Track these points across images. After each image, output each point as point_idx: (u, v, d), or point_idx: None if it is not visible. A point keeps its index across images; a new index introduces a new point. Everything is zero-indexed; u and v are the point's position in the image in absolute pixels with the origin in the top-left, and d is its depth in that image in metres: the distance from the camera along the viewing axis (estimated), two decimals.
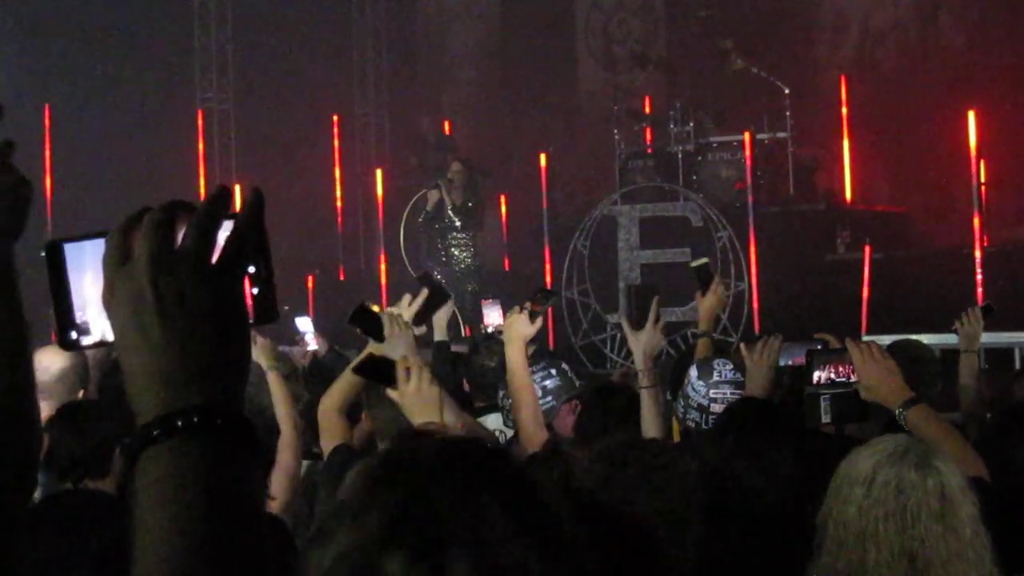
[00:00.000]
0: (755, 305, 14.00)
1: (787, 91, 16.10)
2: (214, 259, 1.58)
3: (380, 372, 4.49)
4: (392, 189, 17.71)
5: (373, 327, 4.95)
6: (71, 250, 1.75)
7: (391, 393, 4.40)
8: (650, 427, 5.41)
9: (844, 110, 16.51)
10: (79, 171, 16.94)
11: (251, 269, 1.63)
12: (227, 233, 1.59)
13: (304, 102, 19.83)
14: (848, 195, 16.57)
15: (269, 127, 19.41)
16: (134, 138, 17.78)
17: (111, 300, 1.59)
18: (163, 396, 1.54)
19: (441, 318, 8.41)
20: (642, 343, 5.67)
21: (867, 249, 13.80)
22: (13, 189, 2.14)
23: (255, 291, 1.64)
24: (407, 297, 5.70)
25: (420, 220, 15.71)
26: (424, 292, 5.73)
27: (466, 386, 7.62)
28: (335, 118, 19.43)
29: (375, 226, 18.10)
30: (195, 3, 20.22)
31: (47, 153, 16.76)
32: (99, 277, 1.68)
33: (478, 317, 10.29)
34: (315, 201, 19.02)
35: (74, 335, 1.74)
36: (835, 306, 13.56)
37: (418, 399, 4.34)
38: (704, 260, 7.47)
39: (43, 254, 1.76)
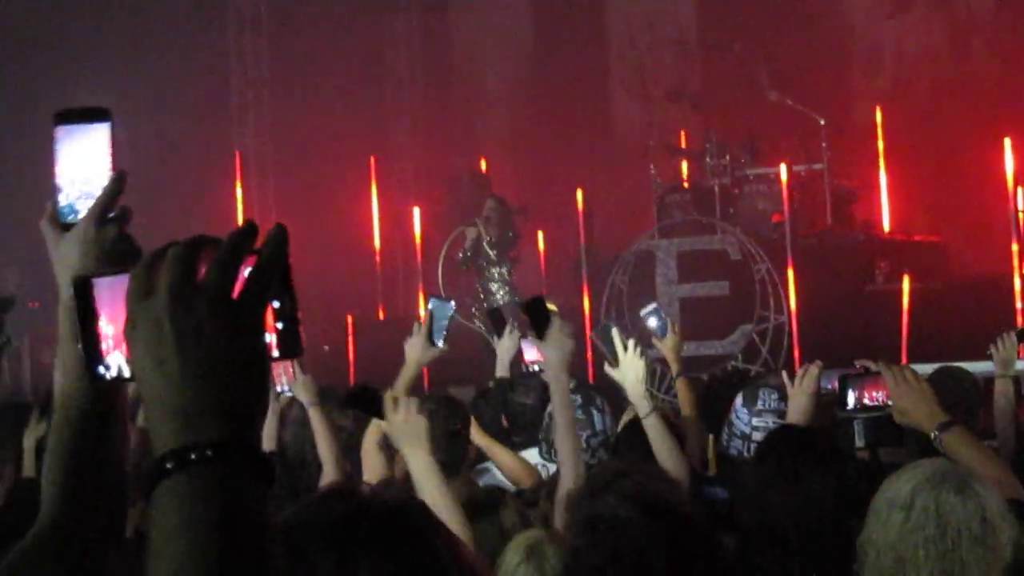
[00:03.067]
0: (795, 337, 13.96)
1: (822, 122, 16.08)
2: (235, 293, 1.59)
3: (369, 403, 4.52)
4: (429, 228, 17.77)
5: (372, 407, 4.93)
6: (100, 286, 1.79)
7: (380, 424, 4.46)
8: (666, 458, 5.39)
9: (880, 140, 16.49)
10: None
11: (275, 304, 1.64)
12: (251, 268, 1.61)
13: (340, 142, 19.92)
14: (886, 225, 16.54)
15: (306, 168, 19.52)
16: (172, 179, 17.90)
17: (132, 333, 1.60)
18: (178, 430, 1.55)
19: (505, 356, 8.42)
20: (627, 373, 5.66)
21: (906, 279, 13.77)
22: (115, 247, 2.22)
23: (279, 326, 1.65)
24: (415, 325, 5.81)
25: (459, 258, 15.75)
26: (429, 311, 5.83)
27: (504, 421, 7.63)
28: (372, 158, 19.50)
29: (413, 265, 18.15)
30: (232, 45, 20.40)
31: None
32: (120, 311, 1.72)
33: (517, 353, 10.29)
34: (353, 241, 19.09)
35: (101, 369, 1.78)
36: (875, 336, 13.51)
37: (405, 430, 4.40)
38: (655, 306, 7.43)
39: (72, 290, 1.80)
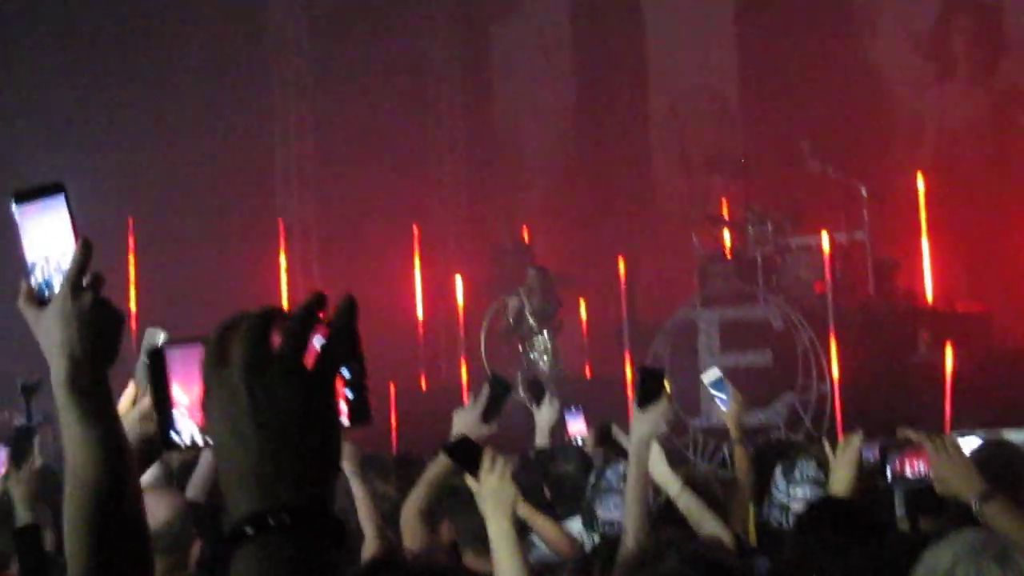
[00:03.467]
0: (838, 406, 13.91)
1: (864, 191, 16.08)
2: (308, 363, 1.63)
3: (468, 458, 4.53)
4: (472, 297, 17.82)
5: (471, 462, 4.90)
6: (172, 355, 1.85)
7: (470, 481, 4.46)
8: (708, 531, 5.37)
9: (922, 209, 16.48)
10: (162, 282, 17.17)
11: (345, 373, 1.69)
12: (322, 340, 1.65)
13: (384, 211, 20.03)
14: (928, 295, 16.51)
15: (350, 236, 19.63)
16: (217, 248, 18.02)
17: (208, 402, 1.64)
18: (255, 495, 1.59)
19: (545, 425, 8.42)
20: (642, 424, 5.46)
21: (948, 348, 13.73)
22: (95, 314, 2.28)
23: (349, 394, 1.69)
24: (470, 401, 5.79)
25: (501, 328, 15.80)
26: (485, 390, 5.80)
27: (546, 492, 7.61)
28: (415, 227, 19.58)
29: (456, 334, 18.19)
30: (277, 113, 20.57)
31: (131, 265, 17.02)
32: (197, 381, 1.77)
33: (560, 425, 10.29)
34: (396, 310, 19.15)
35: (174, 436, 1.84)
36: (918, 406, 13.46)
37: (495, 495, 4.40)
38: (719, 373, 7.42)
39: (145, 360, 1.86)
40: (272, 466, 1.59)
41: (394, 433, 16.09)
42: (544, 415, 8.35)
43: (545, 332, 15.36)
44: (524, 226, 20.07)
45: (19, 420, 7.44)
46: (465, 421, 5.69)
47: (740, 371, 14.45)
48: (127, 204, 17.23)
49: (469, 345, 17.01)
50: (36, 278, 2.36)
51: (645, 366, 5.79)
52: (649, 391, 5.07)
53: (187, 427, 1.85)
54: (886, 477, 4.82)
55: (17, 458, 5.78)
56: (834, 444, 5.52)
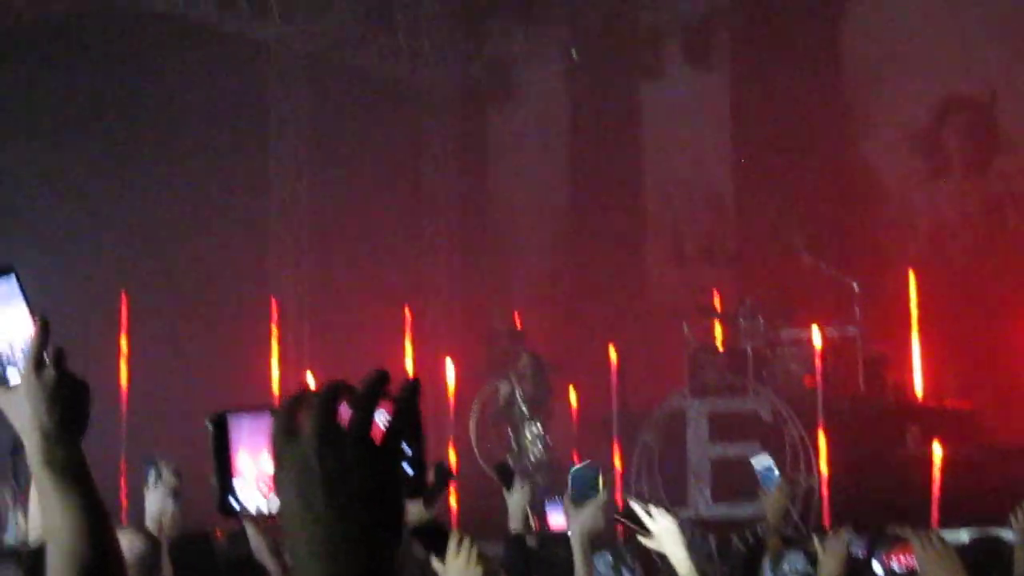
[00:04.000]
0: (826, 500, 13.92)
1: (856, 286, 16.18)
2: (376, 438, 1.70)
3: (436, 540, 4.55)
4: (463, 380, 17.83)
5: (438, 544, 4.93)
6: (234, 423, 1.91)
7: (436, 564, 4.48)
8: None
9: (913, 305, 16.55)
10: (154, 357, 17.18)
11: (407, 449, 1.75)
12: (385, 415, 1.72)
13: (377, 292, 20.08)
14: (918, 390, 16.54)
15: (342, 316, 19.67)
16: (209, 323, 18.05)
17: (279, 472, 1.70)
18: (326, 564, 1.66)
19: (517, 509, 8.41)
20: (664, 539, 5.59)
21: (937, 444, 13.76)
22: (59, 388, 2.33)
23: (409, 469, 1.75)
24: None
25: (492, 413, 15.80)
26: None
27: None
28: (407, 309, 19.63)
29: (446, 418, 18.19)
30: (272, 191, 20.69)
31: (123, 339, 17.03)
32: (250, 447, 1.84)
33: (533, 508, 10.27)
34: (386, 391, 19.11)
35: (233, 502, 1.90)
36: (906, 501, 13.46)
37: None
38: (770, 461, 7.49)
39: (208, 425, 1.93)
40: (341, 536, 1.65)
41: None
42: (515, 499, 8.34)
43: (536, 419, 15.35)
44: (516, 311, 20.12)
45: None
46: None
47: (729, 462, 14.47)
48: (121, 278, 17.27)
49: (458, 428, 17.00)
50: (0, 363, 2.39)
51: (577, 466, 5.81)
52: (581, 489, 5.14)
53: (252, 496, 1.91)
54: (874, 572, 4.86)
55: None
56: (822, 538, 5.55)
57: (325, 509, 1.65)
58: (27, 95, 17.75)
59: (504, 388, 15.54)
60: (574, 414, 17.71)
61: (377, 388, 1.73)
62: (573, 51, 20.78)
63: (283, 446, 1.69)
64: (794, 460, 14.03)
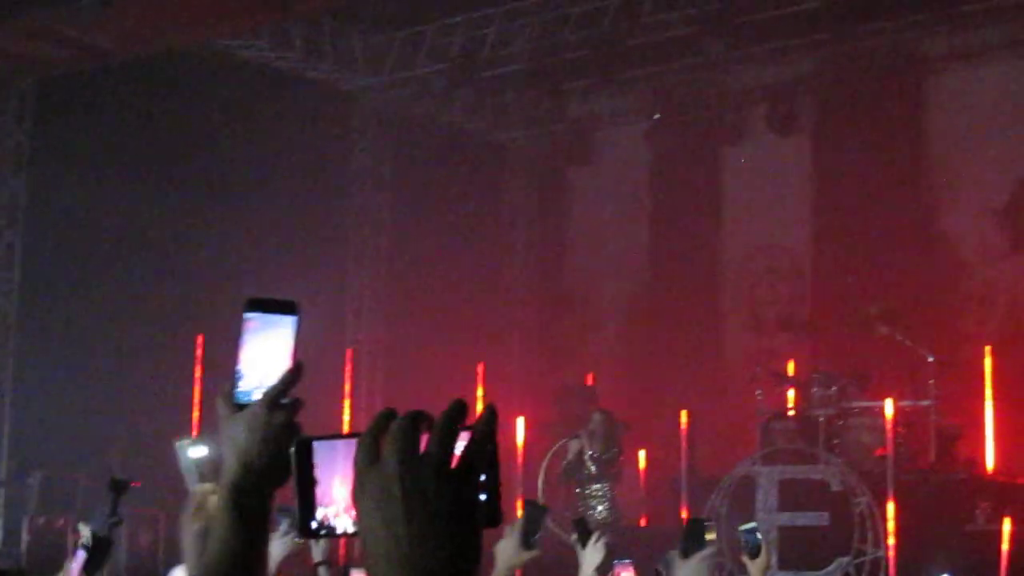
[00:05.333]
0: (891, 572, 13.80)
1: (931, 359, 16.09)
2: (454, 465, 1.75)
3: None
4: (533, 437, 17.83)
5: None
6: (319, 448, 1.98)
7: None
8: None
9: (988, 380, 16.42)
10: None
11: (482, 477, 1.79)
12: (463, 442, 1.76)
13: (451, 348, 20.15)
14: (989, 465, 16.39)
15: (415, 370, 19.74)
16: None
17: (361, 495, 1.76)
18: None
19: (588, 566, 8.40)
20: (685, 573, 5.60)
21: (1007, 521, 13.62)
22: (282, 433, 2.41)
23: (483, 497, 1.79)
24: (507, 528, 5.78)
25: (560, 470, 15.77)
26: (520, 516, 5.81)
27: None
28: (480, 366, 19.68)
29: (515, 474, 18.19)
30: (352, 242, 20.85)
31: (197, 381, 17.19)
32: (336, 473, 1.92)
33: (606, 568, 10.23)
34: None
35: (314, 525, 1.96)
36: None
37: None
38: (754, 524, 7.49)
39: (292, 450, 1.99)
40: (420, 558, 1.70)
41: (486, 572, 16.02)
42: (589, 557, 8.35)
43: (604, 479, 15.31)
44: (590, 371, 20.13)
45: (86, 528, 7.56)
46: (506, 550, 5.72)
47: (796, 531, 14.39)
48: (198, 323, 17.44)
49: (527, 485, 16.99)
50: (240, 386, 2.45)
51: (689, 518, 5.86)
52: (693, 540, 5.15)
53: (333, 518, 1.98)
54: None
55: (91, 568, 5.88)
56: None
57: (405, 531, 1.70)
58: (112, 138, 18.02)
59: (573, 446, 15.52)
60: (643, 476, 17.67)
61: (457, 417, 1.78)
62: (655, 114, 20.84)
63: (365, 470, 1.75)
64: (861, 531, 13.92)
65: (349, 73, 20.21)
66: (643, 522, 17.47)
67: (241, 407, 2.44)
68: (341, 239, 20.82)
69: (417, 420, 1.77)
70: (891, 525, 14.04)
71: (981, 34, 19.12)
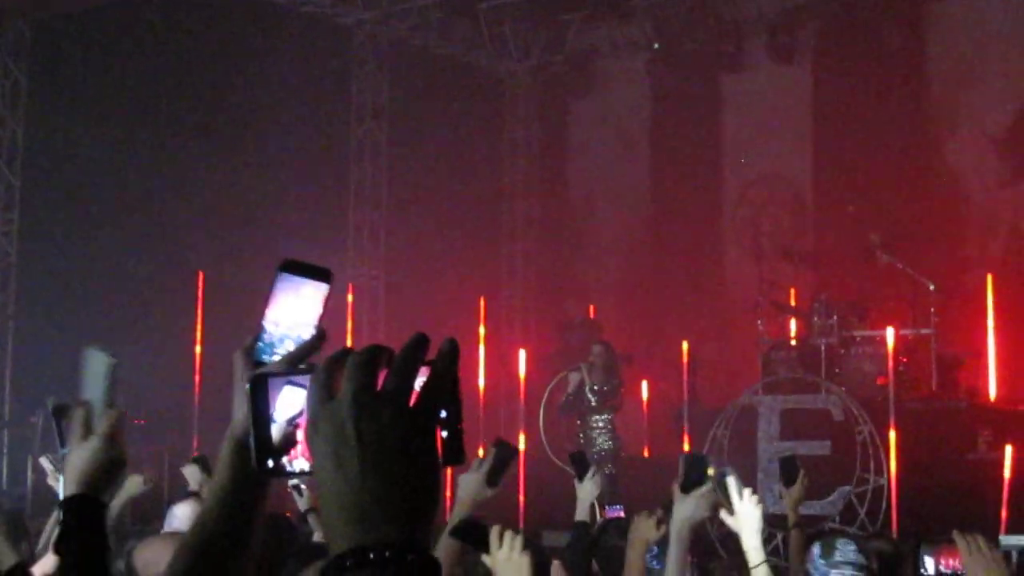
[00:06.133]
0: (894, 501, 13.84)
1: (932, 287, 16.09)
2: (412, 402, 1.67)
3: (475, 536, 4.59)
4: (535, 370, 17.87)
5: (478, 540, 4.96)
6: (275, 384, 1.95)
7: (484, 558, 4.53)
8: None
9: (990, 308, 16.43)
10: (229, 336, 17.32)
11: (442, 413, 1.71)
12: (423, 378, 1.69)
13: (452, 282, 20.16)
14: (991, 393, 16.43)
15: (417, 304, 19.76)
16: None
17: (313, 434, 1.67)
18: (357, 529, 1.63)
19: (585, 499, 8.43)
20: (744, 521, 5.67)
21: (1008, 448, 13.66)
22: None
23: (445, 434, 1.72)
24: (475, 461, 5.75)
25: (561, 402, 15.80)
26: (492, 452, 5.77)
27: (595, 566, 7.64)
28: (482, 300, 19.70)
29: (516, 406, 18.24)
30: (351, 177, 20.82)
31: (199, 318, 17.21)
32: (293, 409, 1.86)
33: (613, 499, 10.29)
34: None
35: (271, 463, 1.93)
36: (974, 504, 13.37)
37: (508, 567, 4.48)
38: (791, 453, 7.56)
39: (247, 387, 1.96)
40: (374, 502, 1.63)
41: (448, 503, 16.12)
42: (586, 489, 8.36)
43: (605, 411, 15.33)
44: (591, 304, 20.15)
45: (47, 461, 7.65)
46: (470, 484, 5.70)
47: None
48: (197, 258, 17.45)
49: (529, 418, 17.05)
50: (263, 341, 2.43)
51: (688, 452, 5.88)
52: (692, 476, 5.17)
53: (285, 455, 1.96)
54: (925, 571, 4.87)
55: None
56: (888, 539, 5.56)
57: (359, 473, 1.63)
58: (108, 76, 17.97)
59: (574, 378, 15.53)
60: (645, 407, 17.71)
61: (416, 352, 1.70)
62: (655, 44, 20.75)
63: (319, 408, 1.68)
64: (863, 459, 13.95)
65: (346, 6, 20.11)
66: (645, 452, 17.54)
67: (259, 365, 2.41)
68: (340, 174, 20.78)
69: (375, 355, 1.69)
70: (893, 453, 14.07)
71: None
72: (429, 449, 1.67)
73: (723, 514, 5.89)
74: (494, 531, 4.52)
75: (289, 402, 1.97)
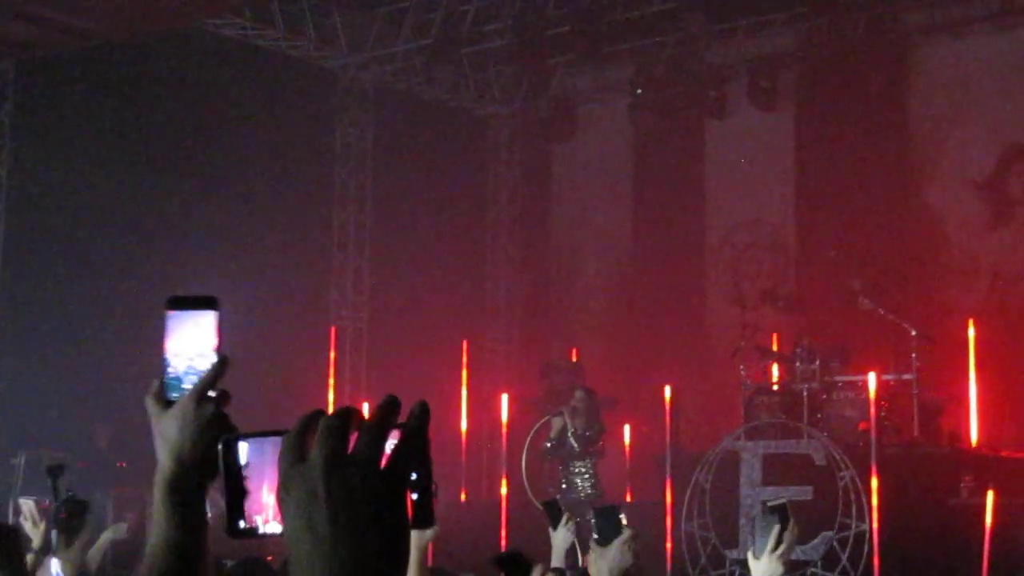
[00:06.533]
0: (876, 546, 13.84)
1: (914, 333, 16.13)
2: (382, 464, 1.69)
3: (518, 570, 4.62)
4: (517, 414, 17.85)
5: (520, 574, 4.99)
6: (245, 446, 1.96)
7: None
8: None
9: (971, 353, 16.46)
10: None
11: (412, 476, 1.73)
12: (394, 441, 1.71)
13: (435, 325, 20.17)
14: (973, 439, 16.44)
15: (400, 347, 19.76)
16: (267, 348, 18.18)
17: (285, 495, 1.70)
18: None
19: (560, 547, 8.42)
20: (607, 559, 5.67)
21: (990, 494, 13.67)
22: (211, 426, 2.41)
23: (415, 497, 1.74)
24: None
25: (543, 447, 15.80)
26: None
27: None
28: (464, 343, 19.70)
29: (498, 450, 18.22)
30: (335, 221, 20.84)
31: None
32: (266, 474, 1.88)
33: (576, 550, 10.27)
34: (441, 421, 19.17)
35: (242, 524, 1.94)
36: (956, 550, 13.39)
37: None
38: (782, 500, 7.54)
39: (219, 448, 1.97)
40: (344, 563, 1.65)
41: (430, 545, 16.06)
42: (560, 536, 8.35)
43: (588, 456, 15.33)
44: (574, 347, 20.15)
45: (28, 501, 7.60)
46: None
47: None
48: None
49: (511, 462, 17.02)
50: (169, 374, 2.49)
51: (599, 506, 5.88)
52: (607, 527, 5.22)
53: (255, 517, 1.96)
54: None
55: (68, 534, 5.90)
56: None
57: (328, 534, 1.64)
58: (94, 118, 17.98)
59: (556, 423, 15.53)
60: (627, 451, 17.69)
61: (386, 415, 1.72)
62: (638, 89, 20.82)
63: (290, 469, 1.70)
64: (845, 505, 13.96)
65: (330, 50, 20.20)
66: (628, 497, 17.51)
67: (170, 403, 2.46)
68: (324, 216, 20.80)
69: (346, 418, 1.71)
70: (875, 499, 14.08)
71: (962, 7, 19.13)
72: (399, 511, 1.69)
73: (749, 555, 5.88)
74: (536, 570, 4.57)
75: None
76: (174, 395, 2.47)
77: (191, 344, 2.50)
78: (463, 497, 18.89)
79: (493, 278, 22.62)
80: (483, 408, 19.91)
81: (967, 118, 19.07)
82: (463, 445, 19.18)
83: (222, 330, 2.50)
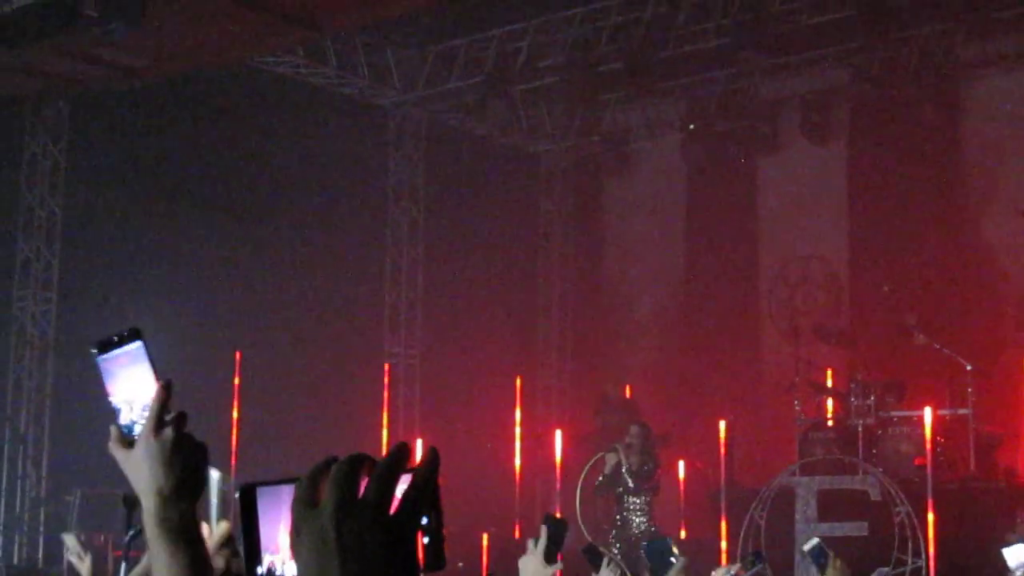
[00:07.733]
0: None
1: (969, 367, 16.02)
2: (393, 510, 1.72)
3: (595, 558, 4.76)
4: (571, 450, 17.84)
5: (596, 561, 5.10)
6: (263, 494, 1.98)
7: None
8: None
9: None
10: (265, 415, 17.37)
11: (423, 520, 1.76)
12: (404, 486, 1.73)
13: (488, 362, 20.18)
14: None
15: (453, 384, 19.78)
16: (321, 386, 18.24)
17: (298, 541, 1.73)
18: None
19: None
20: (528, 570, 5.65)
21: None
22: (177, 450, 2.43)
23: (425, 540, 1.76)
24: (530, 543, 5.83)
25: (597, 483, 15.76)
26: (544, 529, 5.84)
27: None
28: (518, 380, 19.69)
29: (552, 487, 18.20)
30: (388, 258, 20.90)
31: (235, 397, 17.25)
32: (281, 520, 1.90)
33: None
34: (494, 458, 19.21)
35: (261, 571, 1.96)
36: None
37: None
38: (817, 541, 7.54)
39: (237, 496, 1.99)
40: None
41: None
42: None
43: (642, 492, 15.30)
44: (628, 384, 20.12)
45: (70, 537, 7.68)
46: (528, 565, 5.74)
47: (836, 541, 14.30)
48: (234, 341, 17.50)
49: (565, 498, 16.99)
50: (122, 420, 2.50)
51: (649, 541, 5.94)
52: (660, 559, 5.30)
53: (271, 561, 1.97)
54: None
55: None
56: None
57: None
58: (147, 156, 18.11)
59: (610, 460, 15.50)
60: (681, 487, 17.63)
61: (396, 461, 1.75)
62: (690, 124, 20.83)
63: (302, 515, 1.73)
64: (901, 541, 13.87)
65: (383, 88, 20.29)
66: (683, 533, 17.44)
67: (132, 442, 2.46)
68: (377, 253, 20.87)
69: (357, 464, 1.75)
70: (931, 535, 13.98)
71: (1013, 39, 19.06)
72: (408, 555, 1.72)
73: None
74: (606, 560, 4.67)
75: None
76: (135, 434, 2.47)
77: (131, 381, 2.51)
78: (517, 534, 18.86)
79: (546, 314, 22.62)
80: (537, 445, 19.89)
81: (1019, 150, 18.96)
82: (517, 482, 19.17)
83: (153, 356, 2.51)
